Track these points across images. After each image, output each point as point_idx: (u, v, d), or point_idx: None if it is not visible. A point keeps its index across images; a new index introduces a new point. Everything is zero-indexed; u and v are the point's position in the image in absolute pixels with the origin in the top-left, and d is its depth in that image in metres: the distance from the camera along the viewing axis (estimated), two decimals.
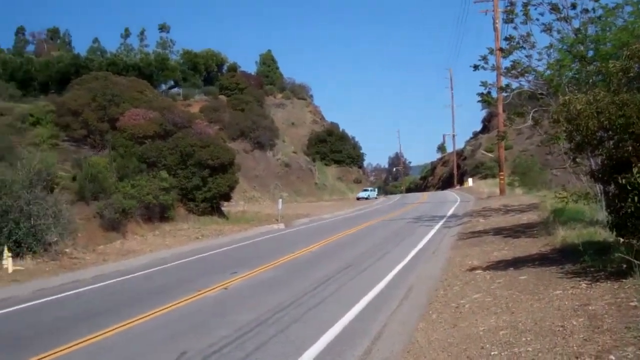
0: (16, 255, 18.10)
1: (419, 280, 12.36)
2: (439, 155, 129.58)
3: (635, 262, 7.87)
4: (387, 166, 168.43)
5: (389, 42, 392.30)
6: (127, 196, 25.83)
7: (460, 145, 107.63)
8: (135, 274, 16.58)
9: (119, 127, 32.01)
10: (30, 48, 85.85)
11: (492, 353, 6.21)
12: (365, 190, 75.67)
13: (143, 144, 31.19)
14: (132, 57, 77.19)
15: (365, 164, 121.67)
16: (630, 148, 8.60)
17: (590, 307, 7.19)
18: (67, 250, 19.96)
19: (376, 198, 71.67)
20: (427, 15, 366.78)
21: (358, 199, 70.33)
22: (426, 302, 9.75)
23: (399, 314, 9.37)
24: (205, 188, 32.44)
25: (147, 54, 79.91)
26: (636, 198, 8.16)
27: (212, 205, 33.77)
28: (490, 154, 76.89)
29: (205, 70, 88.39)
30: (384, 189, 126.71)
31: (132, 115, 32.20)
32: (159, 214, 29.01)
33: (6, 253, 17.42)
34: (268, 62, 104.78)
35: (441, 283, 11.32)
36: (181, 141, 31.63)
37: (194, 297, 11.99)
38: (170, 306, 11.11)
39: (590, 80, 17.20)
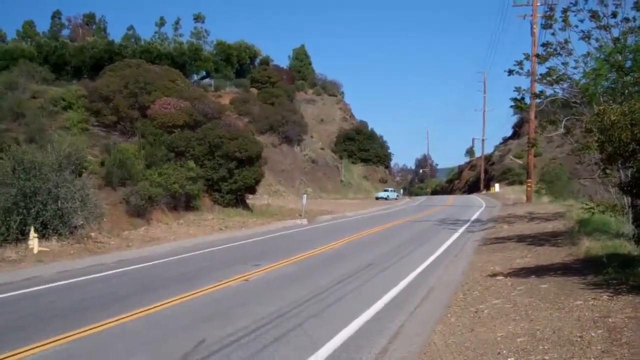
0: (42, 236, 18.39)
1: (440, 283, 12.33)
2: (467, 159, 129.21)
3: None
4: (413, 167, 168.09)
5: (422, 44, 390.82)
6: (154, 184, 26.06)
7: (489, 150, 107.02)
8: (159, 261, 16.75)
9: (150, 115, 32.25)
10: (66, 32, 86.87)
11: (509, 359, 6.20)
12: (386, 190, 75.11)
13: (172, 133, 31.41)
14: (166, 45, 77.69)
15: (391, 164, 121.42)
16: None
17: (610, 320, 7.14)
18: (92, 234, 20.21)
19: (396, 199, 70.93)
20: (463, 19, 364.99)
21: (377, 198, 69.80)
22: (445, 305, 9.74)
23: (418, 315, 9.37)
24: (232, 180, 32.57)
25: (181, 43, 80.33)
26: None
27: (237, 197, 33.90)
28: (519, 160, 76.37)
29: (238, 62, 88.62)
30: (409, 190, 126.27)
31: (163, 103, 32.42)
32: (184, 203, 29.23)
33: (32, 233, 17.70)
34: (301, 57, 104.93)
35: (461, 287, 11.30)
36: (210, 132, 31.79)
37: (216, 286, 12.10)
38: (191, 294, 11.22)
39: (627, 91, 17.03)
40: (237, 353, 7.32)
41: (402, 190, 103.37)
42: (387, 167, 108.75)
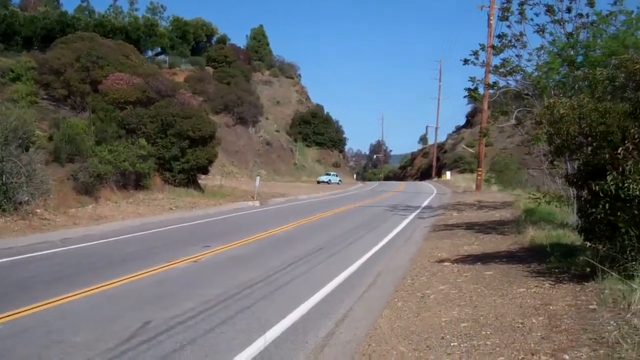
0: None
1: (388, 268, 12.45)
2: (420, 146, 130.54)
3: (599, 266, 8.00)
4: (367, 152, 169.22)
5: (381, 30, 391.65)
6: (104, 161, 25.54)
7: (442, 138, 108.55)
8: (106, 240, 16.50)
9: (101, 90, 31.59)
10: (16, 1, 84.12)
11: (452, 344, 6.31)
12: (328, 174, 74.77)
13: (124, 110, 30.81)
14: (121, 20, 76.26)
15: (346, 148, 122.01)
16: (607, 156, 8.71)
17: (551, 307, 7.32)
18: (37, 210, 19.74)
19: (338, 184, 70.63)
20: (424, 6, 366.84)
21: (318, 182, 69.29)
22: (393, 290, 9.84)
23: (365, 299, 9.46)
24: (184, 159, 32.12)
25: (136, 18, 78.90)
26: (607, 205, 8.27)
27: (188, 177, 33.46)
28: (470, 149, 77.43)
29: (194, 40, 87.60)
30: (362, 175, 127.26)
31: (116, 79, 31.78)
32: (134, 182, 28.74)
33: None
34: (259, 38, 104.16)
35: (409, 272, 11.43)
36: (163, 110, 31.29)
37: (164, 267, 11.98)
38: (138, 275, 11.08)
39: (577, 86, 17.35)
40: (184, 335, 7.27)
41: (355, 175, 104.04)
42: (342, 151, 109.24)
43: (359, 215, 25.81)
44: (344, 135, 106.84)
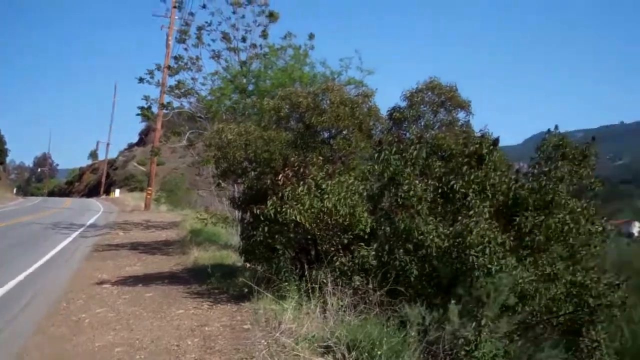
0: None
1: (43, 291, 11.51)
2: (90, 162, 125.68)
3: (255, 287, 8.33)
4: (32, 165, 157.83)
5: (56, 42, 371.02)
6: None
7: (113, 154, 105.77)
8: None
9: None
10: None
11: None
12: None
13: None
14: None
15: (7, 160, 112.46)
16: (269, 181, 9.20)
17: (207, 328, 7.41)
18: None
19: None
20: (102, 26, 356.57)
21: None
22: (46, 315, 9.10)
23: (14, 326, 8.57)
24: None
25: None
26: (266, 228, 8.69)
27: None
28: (142, 167, 76.86)
29: None
30: (25, 190, 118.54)
31: None
32: None
33: None
34: None
35: (66, 295, 10.71)
36: None
37: None
38: None
39: (247, 112, 18.22)
40: None
41: (16, 189, 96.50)
42: (2, 163, 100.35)
43: (16, 233, 23.69)
44: (5, 147, 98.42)
